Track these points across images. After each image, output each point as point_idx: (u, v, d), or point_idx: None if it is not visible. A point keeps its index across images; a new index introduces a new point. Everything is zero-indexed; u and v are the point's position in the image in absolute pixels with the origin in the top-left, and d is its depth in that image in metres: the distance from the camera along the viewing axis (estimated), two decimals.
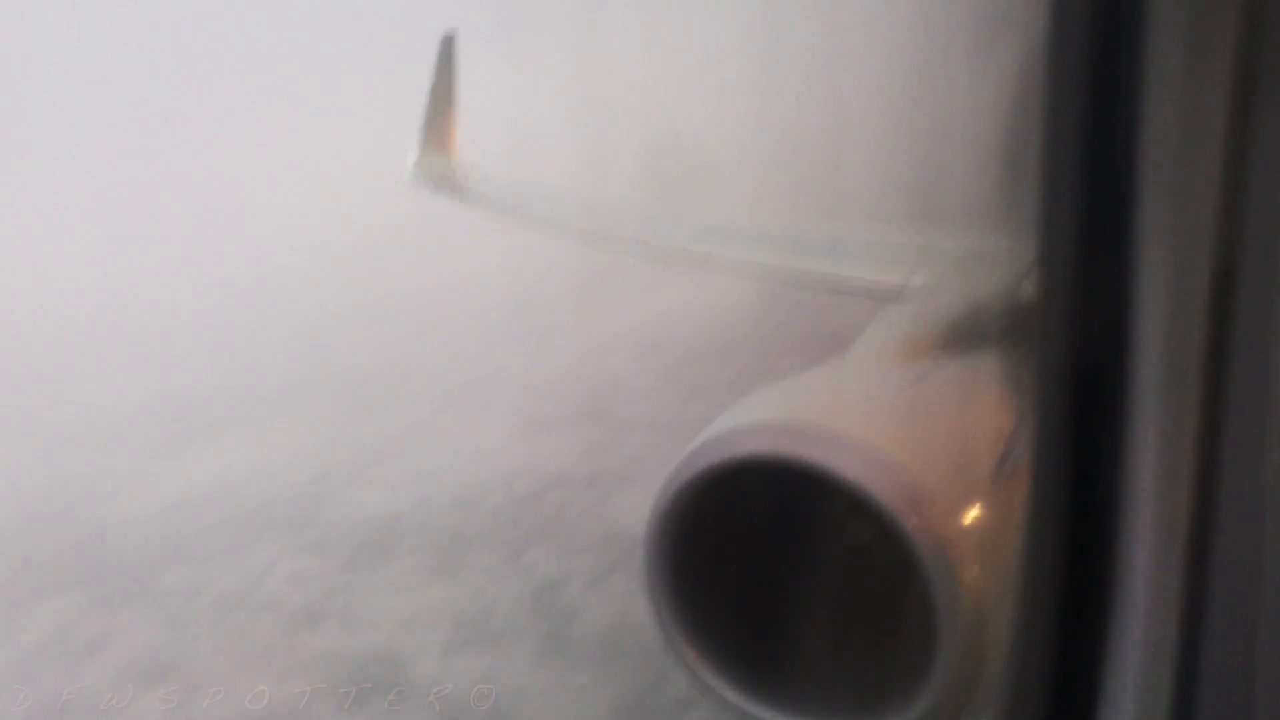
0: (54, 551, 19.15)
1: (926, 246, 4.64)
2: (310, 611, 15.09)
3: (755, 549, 2.74)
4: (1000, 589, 2.09)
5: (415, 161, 9.41)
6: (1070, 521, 1.18)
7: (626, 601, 12.12)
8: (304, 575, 16.19)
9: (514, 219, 8.13)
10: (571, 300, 24.56)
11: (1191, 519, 1.09)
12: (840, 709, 2.56)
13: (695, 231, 6.70)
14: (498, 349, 24.58)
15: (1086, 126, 1.10)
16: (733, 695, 2.61)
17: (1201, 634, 1.10)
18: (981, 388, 2.70)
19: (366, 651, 13.74)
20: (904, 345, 2.95)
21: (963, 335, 2.95)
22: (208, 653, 14.62)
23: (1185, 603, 1.10)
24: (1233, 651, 1.08)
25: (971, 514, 2.32)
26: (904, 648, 2.41)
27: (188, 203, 42.58)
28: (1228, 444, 1.08)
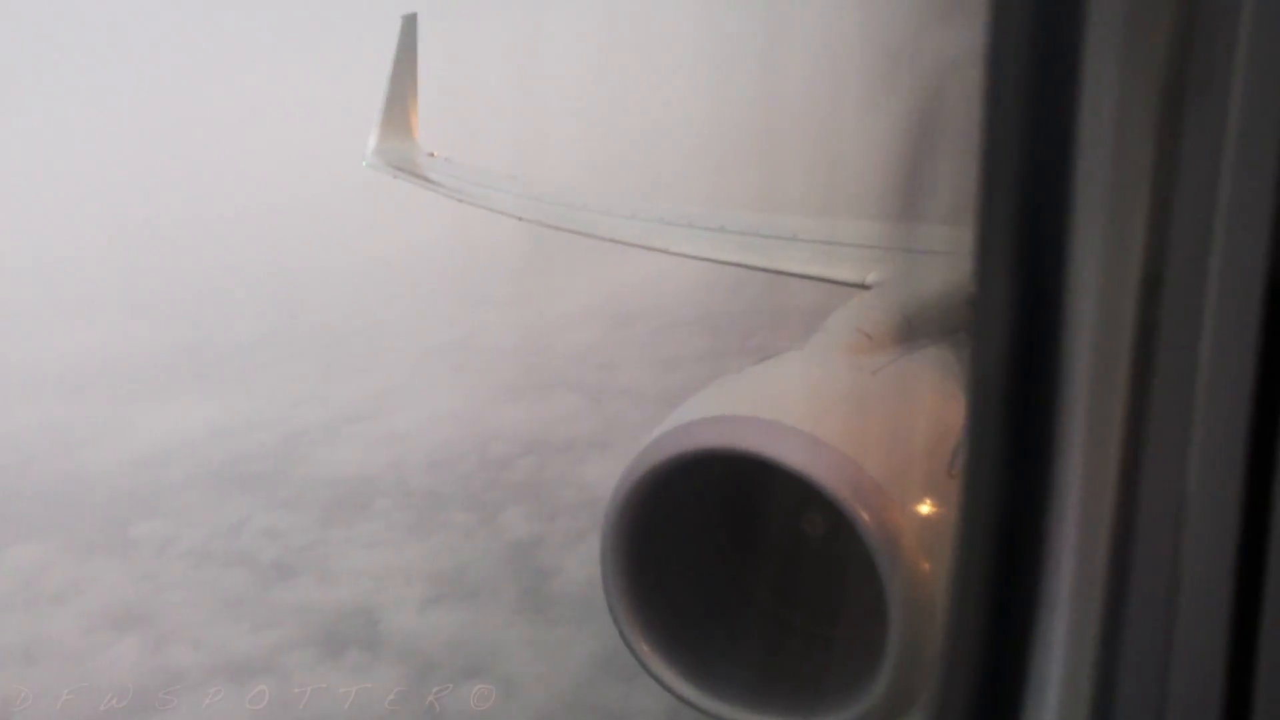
0: (20, 500, 19.07)
1: (882, 242, 4.69)
2: (284, 566, 15.21)
3: (709, 542, 2.73)
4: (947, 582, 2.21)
5: (375, 144, 9.28)
6: (1000, 520, 1.22)
7: None
8: (277, 530, 16.29)
9: (473, 204, 8.03)
10: (543, 269, 24.68)
11: (1115, 522, 1.13)
12: (791, 701, 2.56)
13: (653, 221, 6.65)
14: (468, 316, 24.65)
15: (1021, 133, 1.13)
16: (684, 688, 2.59)
17: (1122, 630, 1.15)
18: (935, 382, 2.72)
19: (342, 605, 13.91)
20: (859, 339, 2.90)
21: (917, 330, 2.96)
22: (180, 603, 14.71)
23: (1107, 601, 1.14)
24: (1151, 646, 1.14)
25: (922, 507, 2.31)
26: (852, 640, 2.43)
27: (155, 164, 42.10)
28: (1151, 449, 1.12)
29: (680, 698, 2.58)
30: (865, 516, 2.22)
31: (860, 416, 2.60)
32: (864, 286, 4.17)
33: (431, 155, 9.16)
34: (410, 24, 9.87)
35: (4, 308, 29.29)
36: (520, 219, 7.54)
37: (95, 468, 20.03)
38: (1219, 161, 1.07)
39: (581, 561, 13.10)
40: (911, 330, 2.95)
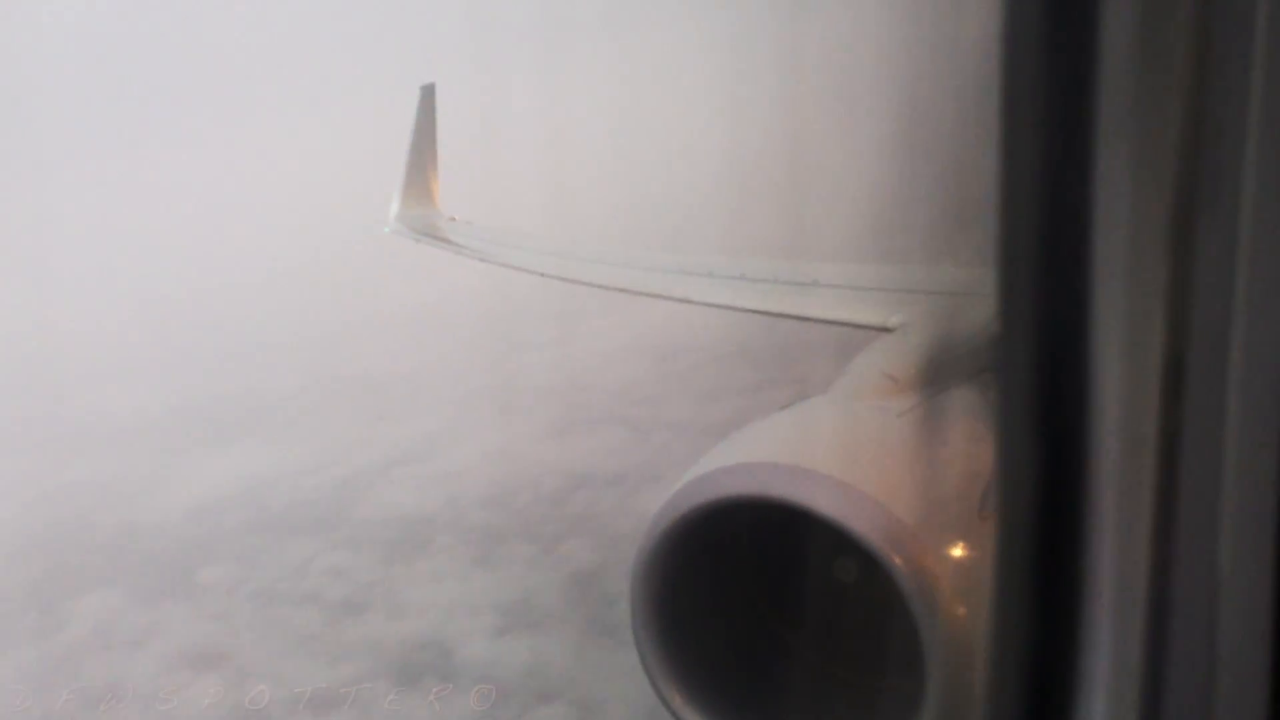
0: (84, 552, 19.53)
1: (905, 284, 4.70)
2: (353, 603, 15.60)
3: (740, 590, 2.69)
4: (985, 626, 2.08)
5: (397, 211, 9.45)
6: (1036, 561, 1.22)
7: None
8: (342, 569, 16.70)
9: (496, 263, 8.28)
10: (576, 312, 25.21)
11: (1153, 555, 1.12)
12: None
13: (674, 273, 6.68)
14: (509, 358, 25.17)
15: (1041, 177, 1.13)
16: None
17: (1165, 664, 1.13)
18: (962, 423, 2.70)
19: (413, 638, 14.27)
20: (885, 382, 2.86)
21: (943, 372, 2.92)
22: (254, 642, 15.09)
23: (1148, 632, 1.14)
24: (1193, 688, 1.13)
25: (954, 550, 2.27)
26: (889, 686, 2.40)
27: (194, 219, 43.09)
28: (1185, 478, 1.10)
29: None
30: (898, 561, 2.20)
31: (889, 460, 2.59)
32: (887, 329, 4.18)
33: (453, 219, 9.33)
34: (429, 93, 10.05)
35: (46, 368, 29.99)
36: (543, 275, 7.70)
37: (153, 518, 20.51)
38: (1235, 249, 1.07)
39: None
40: (936, 372, 2.92)
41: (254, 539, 18.52)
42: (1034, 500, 1.21)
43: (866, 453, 2.61)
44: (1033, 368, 1.19)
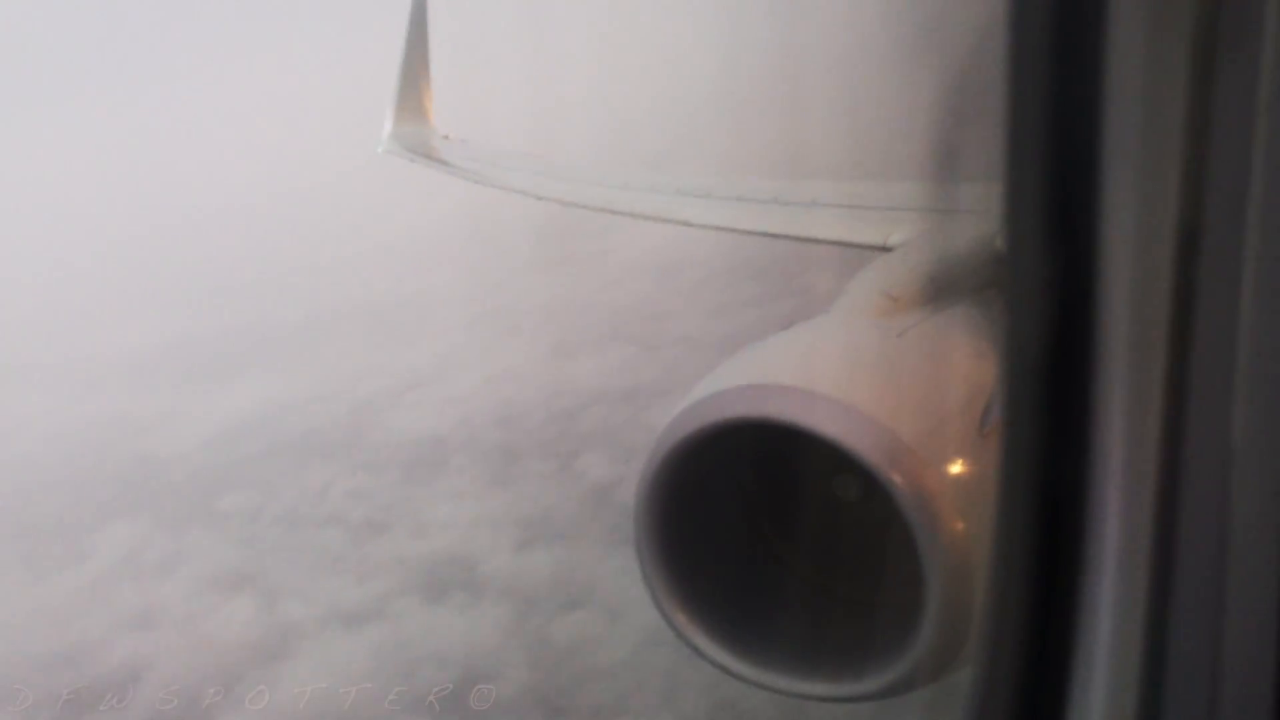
0: (104, 484, 19.78)
1: (903, 203, 4.66)
2: (375, 523, 15.89)
3: (741, 511, 2.74)
4: (986, 542, 1.90)
5: (390, 129, 9.16)
6: (1041, 479, 1.21)
7: None
8: (362, 492, 16.97)
9: (491, 185, 8.07)
10: (577, 233, 25.15)
11: (1160, 478, 1.11)
12: (829, 666, 2.55)
13: (671, 194, 6.62)
14: (512, 280, 25.16)
15: (1050, 89, 1.11)
16: (723, 657, 2.59)
17: (1171, 589, 1.12)
18: (962, 342, 2.70)
19: (437, 554, 14.59)
20: (884, 301, 2.87)
21: (943, 290, 2.92)
22: (282, 563, 15.42)
23: (1155, 559, 1.13)
24: (1201, 604, 1.12)
25: (954, 469, 2.30)
26: (890, 604, 2.43)
27: (172, 160, 42.67)
28: (1194, 404, 1.10)
29: (719, 666, 2.59)
30: (898, 480, 2.23)
31: (889, 380, 2.61)
32: (886, 249, 4.13)
33: (447, 138, 9.16)
34: (420, 5, 9.80)
35: (49, 305, 30.02)
36: (539, 198, 7.64)
37: (169, 450, 20.74)
38: (1253, 116, 1.05)
39: None
40: (936, 291, 2.93)
41: (271, 466, 18.77)
42: (1040, 421, 1.19)
43: (867, 372, 2.62)
44: (1040, 282, 1.16)
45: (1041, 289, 1.18)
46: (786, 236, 5.65)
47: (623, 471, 15.45)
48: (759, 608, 2.69)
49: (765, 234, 5.86)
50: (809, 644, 2.64)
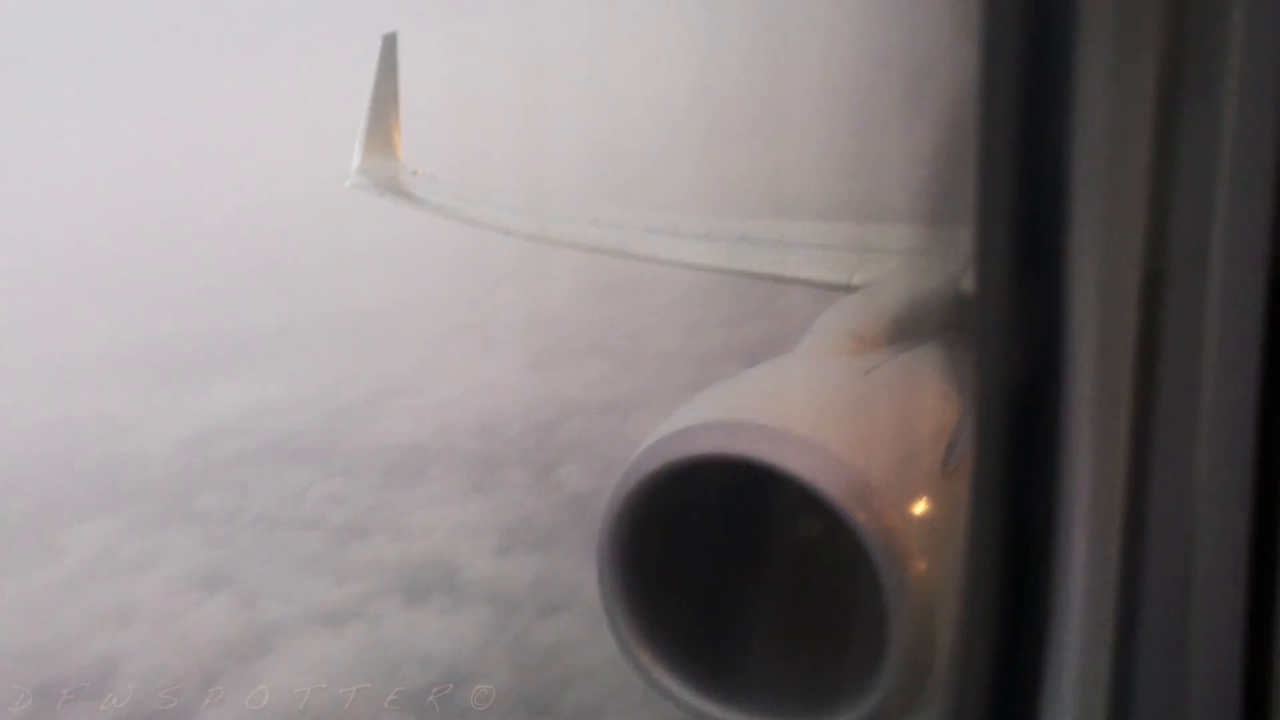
0: (77, 483, 19.73)
1: (870, 243, 4.70)
2: (354, 527, 16.05)
3: (707, 547, 2.71)
4: (948, 581, 2.16)
5: (358, 164, 9.27)
6: (1010, 516, 1.21)
7: None
8: (340, 496, 17.12)
9: (459, 219, 8.12)
10: (552, 249, 25.36)
11: (1125, 515, 1.13)
12: (793, 705, 2.53)
13: (638, 230, 6.65)
14: (488, 294, 25.38)
15: (1019, 133, 1.13)
16: (686, 695, 2.57)
17: (1137, 625, 1.13)
18: (926, 381, 2.73)
19: (419, 558, 14.78)
20: (850, 340, 2.89)
21: (908, 330, 2.95)
22: (260, 564, 15.52)
23: (1121, 596, 1.13)
24: (1166, 643, 1.12)
25: (918, 507, 2.32)
26: (855, 641, 2.42)
27: (154, 166, 42.59)
28: (1159, 442, 1.11)
29: (683, 706, 2.58)
30: (862, 518, 2.25)
31: (854, 418, 2.62)
32: (851, 288, 4.15)
33: (415, 173, 9.24)
34: (390, 43, 9.91)
35: (24, 305, 29.82)
36: (506, 233, 7.64)
37: (145, 450, 20.73)
38: (1216, 160, 1.06)
39: None
40: (901, 330, 2.96)
41: (248, 468, 18.86)
42: (1008, 458, 1.20)
43: (831, 410, 2.64)
44: (1009, 322, 1.18)
45: (1010, 328, 1.19)
46: (753, 275, 5.69)
47: (600, 483, 15.74)
48: (724, 646, 2.68)
49: (731, 271, 5.89)
50: (774, 682, 2.62)
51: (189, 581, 15.33)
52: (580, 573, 13.65)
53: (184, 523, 17.20)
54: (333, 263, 31.95)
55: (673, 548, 2.63)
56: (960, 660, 1.32)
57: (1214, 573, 1.11)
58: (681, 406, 2.58)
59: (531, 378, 20.30)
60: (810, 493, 2.29)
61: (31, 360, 26.47)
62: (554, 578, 13.56)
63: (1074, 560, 1.16)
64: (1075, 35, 1.08)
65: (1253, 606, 1.10)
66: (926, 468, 2.36)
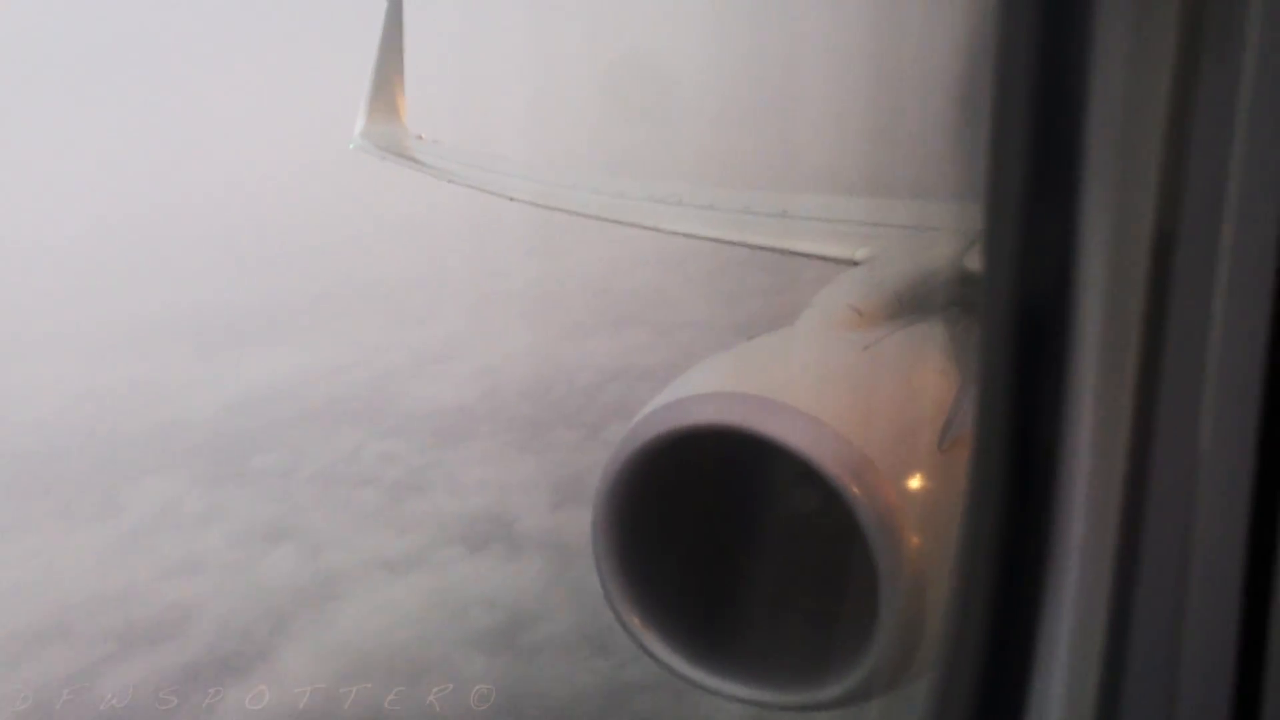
0: (132, 445, 20.33)
1: (873, 218, 4.73)
2: (409, 484, 16.67)
3: (702, 517, 2.74)
4: (941, 556, 2.19)
5: (362, 127, 9.19)
6: (1011, 484, 1.21)
7: None
8: (393, 455, 17.73)
9: (463, 185, 8.07)
10: (584, 220, 25.80)
11: (1127, 485, 1.11)
12: (784, 674, 2.55)
13: (643, 199, 6.64)
14: (524, 264, 25.89)
15: (1032, 93, 1.12)
16: (676, 662, 2.58)
17: (1133, 599, 1.12)
18: (926, 357, 2.73)
19: (474, 512, 15.39)
20: (850, 315, 2.88)
21: (909, 305, 2.96)
22: (320, 517, 16.15)
23: (1118, 571, 1.13)
24: (1164, 615, 1.11)
25: (914, 482, 2.33)
26: (848, 613, 2.45)
27: (212, 143, 43.20)
28: (1164, 410, 1.10)
29: (674, 672, 2.59)
30: (857, 491, 2.25)
31: (853, 392, 2.62)
32: (854, 262, 4.19)
33: (420, 138, 9.19)
34: (395, 5, 9.89)
35: (67, 277, 30.41)
36: (511, 199, 7.63)
37: (195, 414, 21.32)
38: (1232, 123, 1.04)
39: None
40: (902, 306, 2.96)
41: (300, 430, 19.46)
42: (1010, 423, 1.20)
43: (830, 384, 2.63)
44: (1015, 279, 1.17)
45: (1015, 300, 1.18)
46: (755, 246, 5.68)
47: None
48: (717, 615, 2.68)
49: (733, 243, 5.90)
50: (767, 652, 2.63)
51: (252, 534, 15.95)
52: None
53: (241, 481, 17.81)
54: (364, 235, 32.49)
55: (668, 517, 2.65)
56: (952, 635, 1.31)
57: (1216, 536, 1.10)
58: (679, 377, 2.59)
59: (570, 345, 20.88)
60: (806, 465, 2.29)
61: (76, 330, 27.06)
62: None
63: (1071, 538, 1.15)
64: (1093, 12, 1.07)
65: (1251, 576, 1.09)
66: (924, 443, 2.36)
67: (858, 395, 2.61)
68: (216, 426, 20.49)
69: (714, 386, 2.51)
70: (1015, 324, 1.19)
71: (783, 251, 5.38)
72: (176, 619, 14.08)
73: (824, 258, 4.63)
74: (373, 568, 14.38)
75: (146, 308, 28.82)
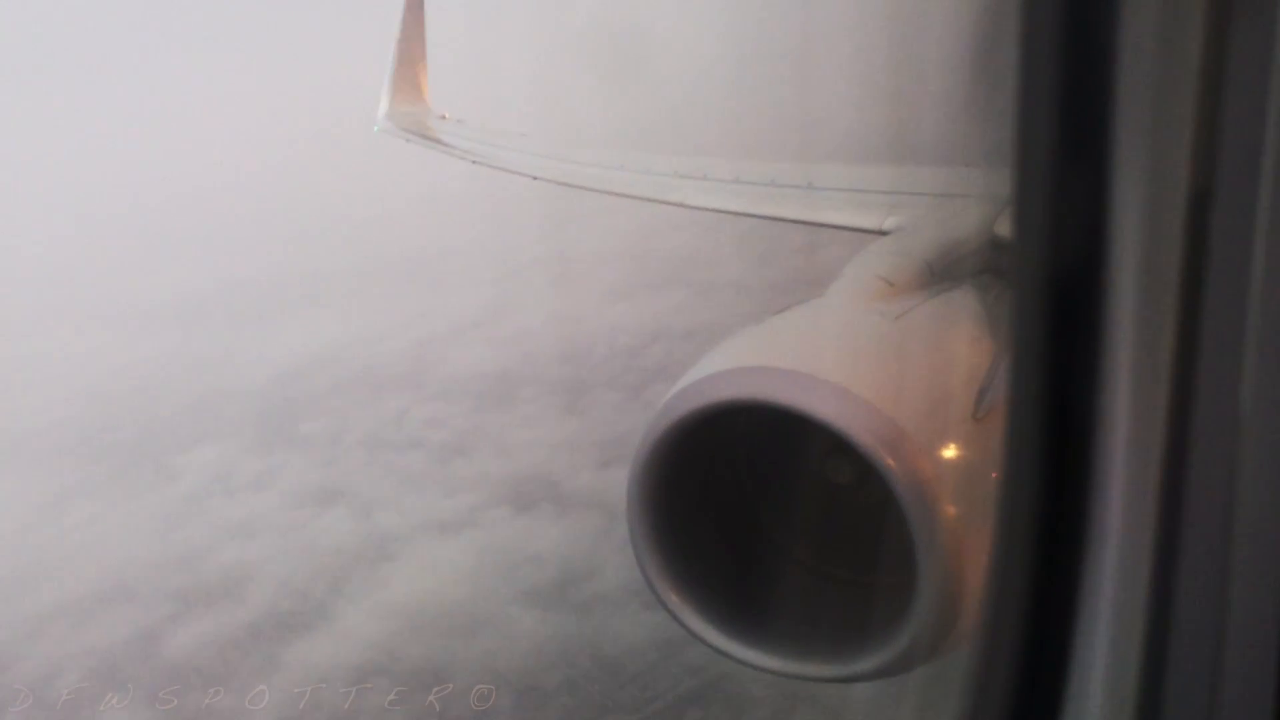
0: (179, 414, 20.76)
1: (900, 186, 4.65)
2: (455, 446, 16.92)
3: (736, 491, 2.72)
4: (978, 527, 2.20)
5: (386, 109, 9.19)
6: (1047, 453, 1.18)
7: None
8: (438, 419, 17.99)
9: (487, 164, 8.07)
10: None
11: (1167, 448, 1.09)
12: (823, 648, 2.54)
13: (668, 175, 6.59)
14: (558, 230, 25.99)
15: (1062, 50, 1.09)
16: (716, 637, 2.56)
17: (1175, 568, 1.10)
18: (958, 326, 2.73)
19: (522, 473, 15.62)
20: (880, 285, 2.87)
21: (939, 274, 2.94)
22: (370, 480, 16.46)
23: (1160, 533, 1.10)
24: (1207, 578, 1.09)
25: (948, 453, 2.31)
26: (884, 586, 2.43)
27: (233, 123, 43.56)
28: (1203, 375, 1.07)
29: (712, 646, 2.60)
30: (892, 464, 2.26)
31: (884, 363, 2.62)
32: (882, 233, 4.14)
33: (443, 118, 9.20)
34: None
35: (109, 253, 30.92)
36: (535, 178, 7.59)
37: (238, 384, 21.71)
38: (1268, 78, 1.03)
39: None
40: (932, 275, 2.94)
41: (344, 397, 19.77)
42: (1046, 394, 1.18)
43: (862, 356, 2.62)
44: (1049, 246, 1.15)
45: (1048, 250, 1.16)
46: (783, 219, 5.65)
47: None
48: (753, 589, 2.70)
49: (761, 216, 5.86)
50: (803, 625, 2.65)
51: (305, 498, 16.29)
52: None
53: (291, 446, 18.16)
54: (396, 209, 32.70)
55: (703, 492, 2.66)
56: (991, 606, 1.30)
57: (1258, 503, 1.08)
58: (710, 350, 2.56)
59: (609, 308, 21.02)
60: (840, 438, 2.29)
61: (118, 304, 27.52)
62: None
63: (1110, 507, 1.13)
64: None
65: None
66: (958, 413, 2.35)
67: (890, 366, 2.61)
68: (264, 394, 20.85)
69: (744, 361, 2.49)
70: (1048, 290, 1.17)
71: (810, 224, 5.38)
72: (236, 579, 14.46)
73: (852, 228, 4.54)
74: (424, 528, 14.67)
75: (190, 281, 29.25)
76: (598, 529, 13.82)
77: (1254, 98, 1.02)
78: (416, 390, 19.29)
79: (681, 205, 6.29)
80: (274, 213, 34.88)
